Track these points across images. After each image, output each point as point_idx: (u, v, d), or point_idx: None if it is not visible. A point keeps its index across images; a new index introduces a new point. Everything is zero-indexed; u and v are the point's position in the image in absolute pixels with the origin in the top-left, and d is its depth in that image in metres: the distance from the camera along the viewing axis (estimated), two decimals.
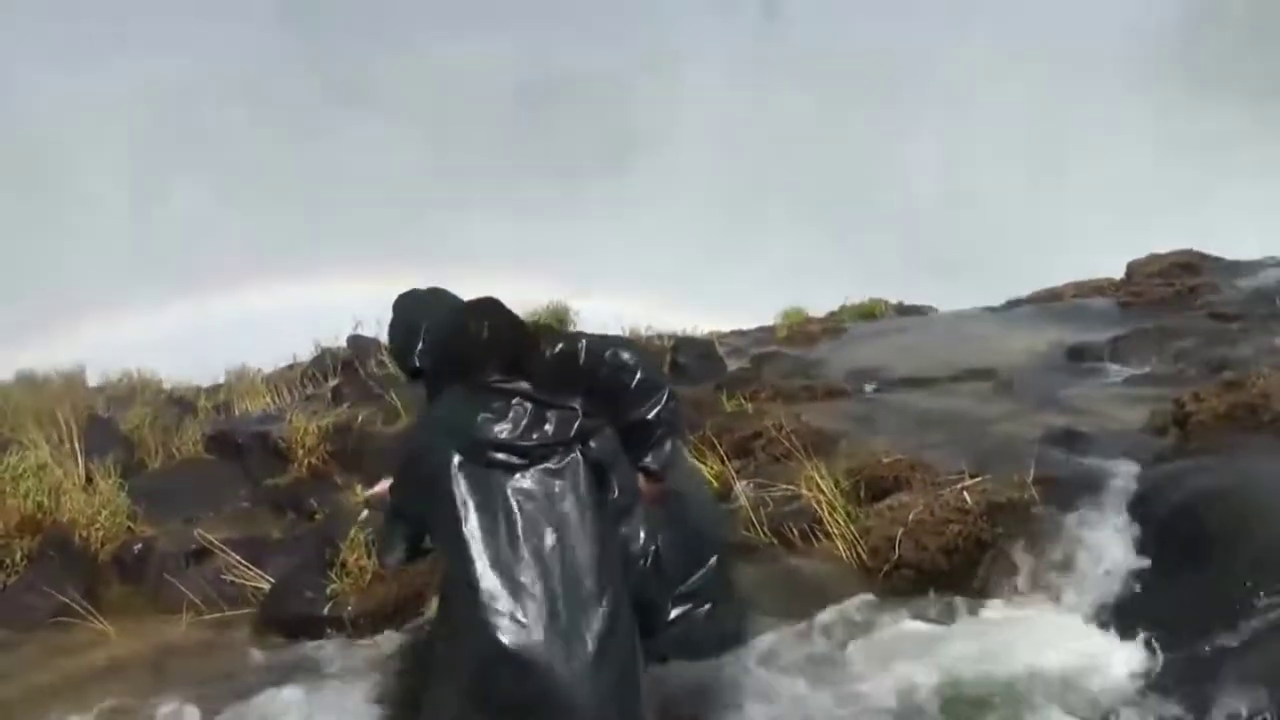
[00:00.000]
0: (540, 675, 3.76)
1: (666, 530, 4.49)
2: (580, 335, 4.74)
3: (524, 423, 3.96)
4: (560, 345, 4.57)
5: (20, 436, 9.64)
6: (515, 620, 3.78)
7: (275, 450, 10.03)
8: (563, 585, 3.84)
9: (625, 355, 4.55)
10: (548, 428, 3.97)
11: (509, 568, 3.83)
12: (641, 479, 4.45)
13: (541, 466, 3.97)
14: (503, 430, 3.94)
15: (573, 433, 4.00)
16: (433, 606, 5.14)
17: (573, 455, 4.01)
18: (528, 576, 3.83)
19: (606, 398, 4.36)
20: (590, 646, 3.82)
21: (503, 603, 3.79)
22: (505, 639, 3.76)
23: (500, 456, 3.92)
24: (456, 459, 3.91)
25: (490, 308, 4.20)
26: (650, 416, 4.49)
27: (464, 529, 3.86)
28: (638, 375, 4.50)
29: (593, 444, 4.06)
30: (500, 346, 4.08)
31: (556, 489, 3.95)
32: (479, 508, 3.89)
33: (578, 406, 4.04)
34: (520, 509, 3.90)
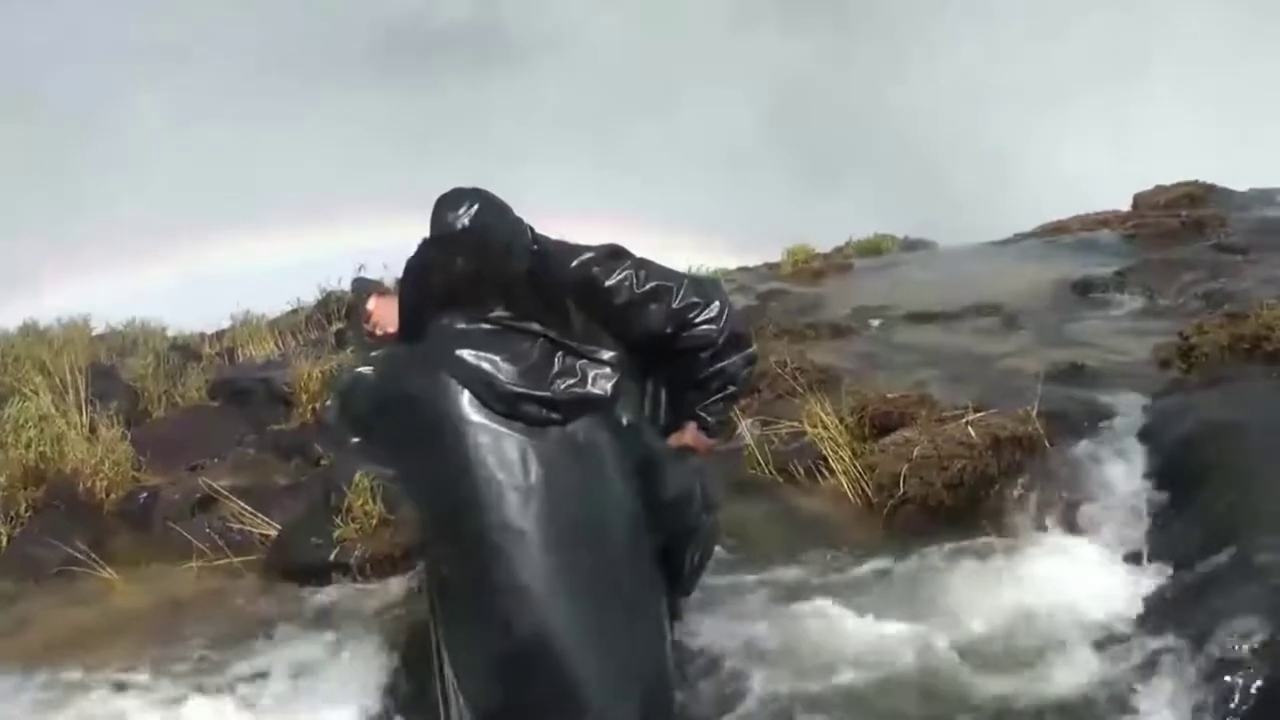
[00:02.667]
0: (569, 670, 3.43)
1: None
2: (634, 263, 4.03)
3: (553, 371, 3.51)
4: (585, 271, 3.92)
5: (23, 386, 9.62)
6: (540, 607, 3.42)
7: (280, 396, 10.02)
8: (594, 569, 3.48)
9: (714, 304, 4.03)
10: (583, 381, 3.54)
11: (533, 545, 3.42)
12: (692, 429, 4.08)
13: (572, 425, 3.52)
14: (528, 377, 3.48)
15: (610, 391, 3.58)
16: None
17: (609, 418, 3.59)
18: (555, 558, 3.43)
19: (676, 350, 3.98)
20: (625, 641, 3.53)
21: (525, 583, 3.41)
22: (528, 628, 3.41)
23: (529, 409, 3.45)
24: (469, 408, 3.45)
25: (471, 238, 3.64)
26: (727, 368, 4.06)
27: (477, 496, 3.43)
28: (724, 328, 4.03)
29: (626, 404, 3.65)
30: (499, 278, 3.60)
31: (590, 454, 3.53)
32: (497, 469, 3.43)
33: (614, 360, 3.63)
34: (548, 475, 3.45)
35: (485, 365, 3.46)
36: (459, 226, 3.64)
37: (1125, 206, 16.62)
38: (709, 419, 4.10)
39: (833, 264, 15.85)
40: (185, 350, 13.27)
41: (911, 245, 18.12)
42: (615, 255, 4.01)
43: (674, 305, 3.95)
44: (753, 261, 17.41)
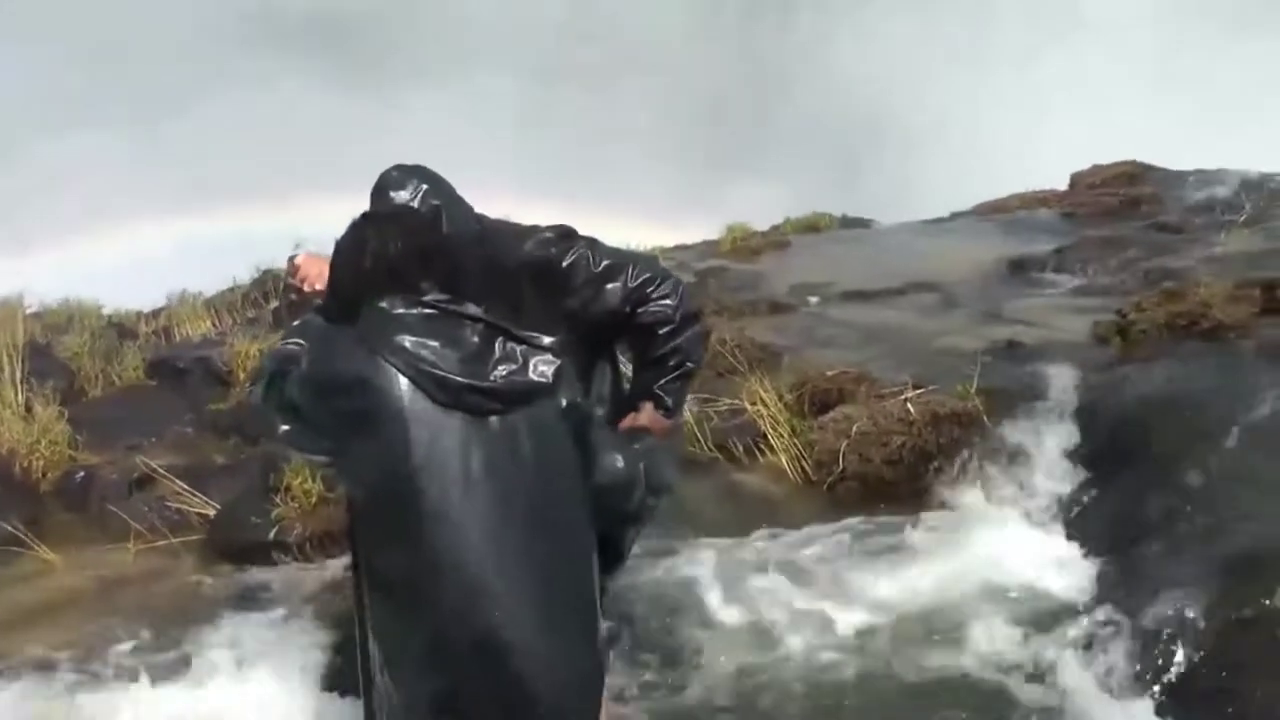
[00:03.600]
0: (514, 661, 3.37)
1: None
2: (585, 242, 3.98)
3: (494, 358, 3.39)
4: (543, 251, 3.88)
5: None
6: (481, 600, 3.34)
7: (217, 375, 9.92)
8: (539, 557, 3.41)
9: (668, 280, 4.02)
10: (524, 368, 3.42)
11: (474, 535, 3.34)
12: (649, 409, 4.02)
13: (514, 413, 3.41)
14: (468, 365, 3.35)
15: (551, 377, 3.45)
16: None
17: (550, 403, 3.47)
18: (498, 547, 3.35)
19: (633, 327, 3.95)
20: (574, 631, 3.50)
21: (468, 575, 3.33)
22: (473, 618, 3.33)
23: (470, 399, 3.34)
24: (409, 396, 3.32)
25: (414, 219, 3.49)
26: (683, 344, 4.02)
27: (416, 486, 3.31)
28: (681, 303, 3.99)
29: (566, 388, 3.54)
30: (441, 260, 3.46)
31: (531, 441, 3.42)
32: (437, 459, 3.32)
33: (554, 345, 3.52)
34: (489, 464, 3.35)
35: (425, 353, 3.34)
36: (400, 205, 3.52)
37: (1063, 185, 16.75)
38: (666, 399, 4.06)
39: (770, 241, 15.85)
40: (121, 329, 13.11)
41: (849, 223, 18.17)
42: (567, 235, 3.97)
43: (630, 283, 3.92)
44: (689, 239, 17.42)
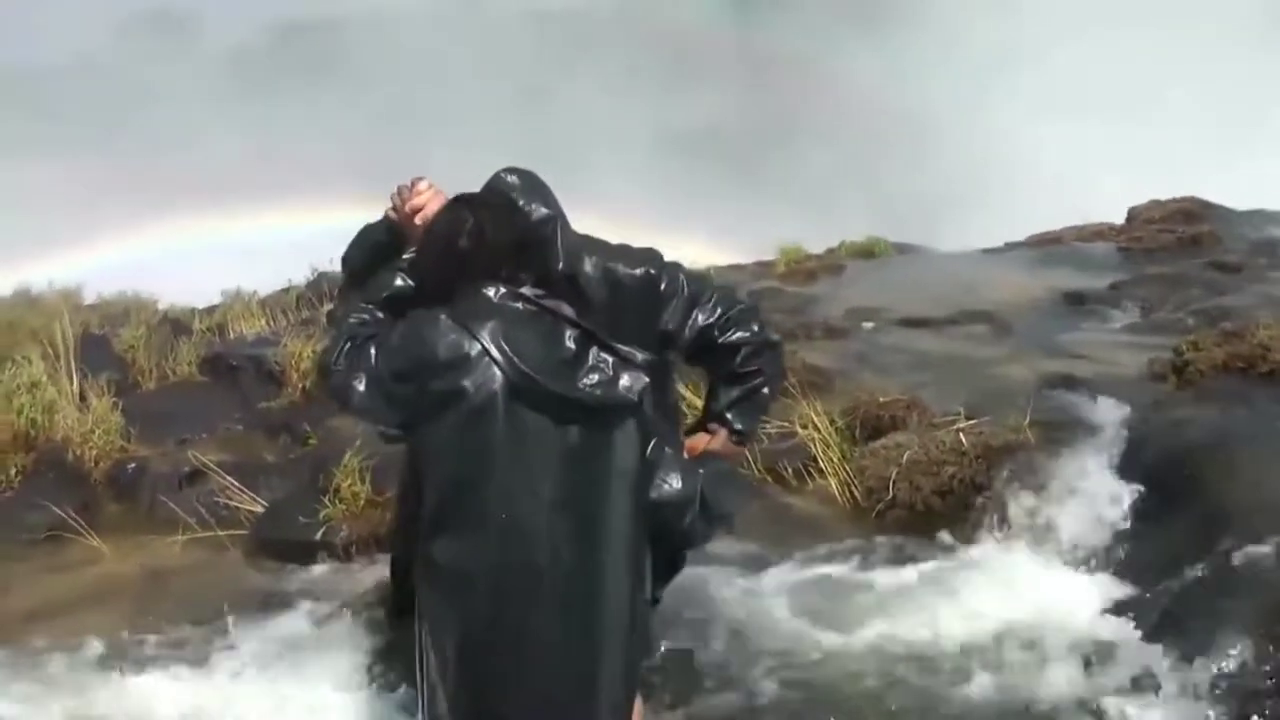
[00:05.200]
0: (549, 665, 3.43)
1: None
2: (674, 264, 3.95)
3: (585, 365, 3.40)
4: (644, 270, 3.82)
5: (15, 353, 9.60)
6: (531, 600, 3.38)
7: (269, 374, 9.97)
8: (598, 572, 3.44)
9: (752, 305, 4.05)
10: (613, 381, 3.42)
11: (538, 545, 3.37)
12: (722, 435, 3.98)
13: (594, 422, 3.43)
14: (560, 369, 3.37)
15: (638, 395, 3.47)
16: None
17: (629, 418, 3.50)
18: (552, 557, 3.38)
19: (720, 346, 3.89)
20: (621, 649, 3.52)
21: (519, 579, 3.38)
22: (517, 618, 3.39)
23: (555, 402, 3.34)
24: (500, 388, 3.34)
25: (504, 203, 3.59)
26: (765, 366, 3.98)
27: (488, 478, 3.35)
28: (764, 330, 3.97)
29: (645, 405, 3.55)
30: (524, 249, 3.52)
31: (607, 453, 3.45)
32: (514, 461, 3.35)
33: (645, 362, 3.53)
34: (561, 472, 3.38)
35: (523, 349, 3.36)
36: (506, 197, 3.63)
37: (1120, 220, 16.64)
38: (738, 422, 4.01)
39: (825, 265, 15.83)
40: (176, 324, 13.22)
41: (904, 249, 18.12)
42: (660, 257, 3.96)
43: (718, 306, 3.91)
44: (744, 259, 17.40)
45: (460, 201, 3.68)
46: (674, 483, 3.67)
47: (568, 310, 3.45)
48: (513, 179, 3.71)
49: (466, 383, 3.33)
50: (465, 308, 3.45)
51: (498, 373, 3.32)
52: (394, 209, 4.03)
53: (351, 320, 3.73)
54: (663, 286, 3.83)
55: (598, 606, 3.51)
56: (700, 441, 4.03)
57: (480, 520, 3.39)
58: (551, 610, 3.43)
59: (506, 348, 3.33)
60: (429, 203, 3.92)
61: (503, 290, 3.43)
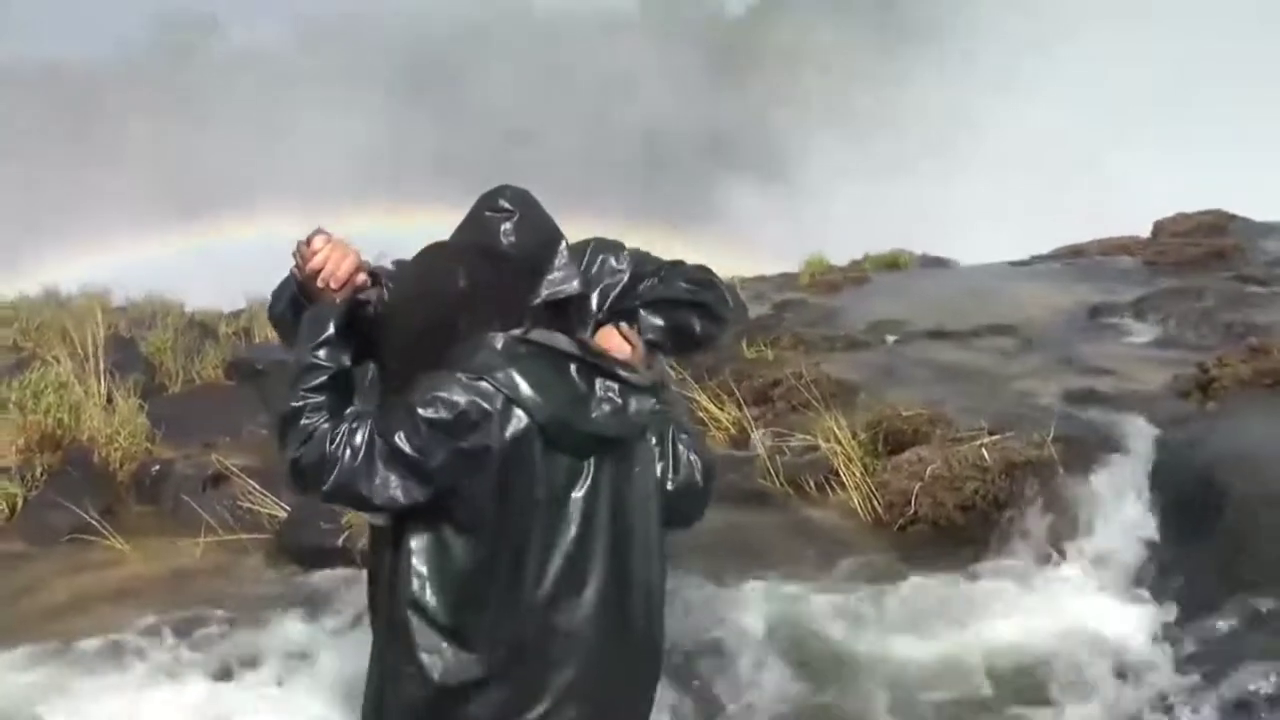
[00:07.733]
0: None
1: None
2: (665, 270, 3.81)
3: (594, 399, 3.29)
4: (701, 296, 3.73)
5: (44, 353, 9.68)
6: (589, 649, 3.29)
7: None
8: (624, 615, 3.37)
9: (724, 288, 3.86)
10: (623, 409, 3.33)
11: (574, 600, 3.29)
12: (624, 328, 3.65)
13: (616, 453, 3.37)
14: (572, 405, 3.26)
15: (647, 417, 3.40)
16: None
17: (642, 441, 3.44)
18: (597, 611, 3.30)
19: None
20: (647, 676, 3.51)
21: (574, 641, 3.28)
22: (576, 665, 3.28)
23: (572, 438, 3.27)
24: (526, 434, 3.23)
25: (502, 251, 3.46)
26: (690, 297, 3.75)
27: (529, 539, 3.26)
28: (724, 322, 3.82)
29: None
30: (527, 289, 3.42)
31: (624, 477, 3.38)
32: (550, 510, 3.27)
33: (654, 384, 3.42)
34: (586, 505, 3.31)
35: (541, 393, 3.23)
36: (505, 241, 3.51)
37: (1145, 233, 16.57)
38: (654, 319, 3.71)
39: (850, 277, 15.82)
40: (203, 327, 13.32)
41: (928, 262, 18.10)
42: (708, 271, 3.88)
43: (676, 274, 3.80)
44: (770, 270, 17.42)
45: (450, 247, 3.56)
46: (695, 477, 3.60)
47: (563, 343, 3.31)
48: (509, 194, 3.60)
49: (497, 435, 3.20)
50: (479, 360, 3.27)
51: (523, 418, 3.21)
52: (297, 268, 3.47)
53: (308, 403, 3.34)
54: (715, 309, 3.77)
55: (658, 627, 3.50)
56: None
57: (580, 582, 3.32)
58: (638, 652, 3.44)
59: (529, 394, 3.22)
60: (330, 261, 3.41)
61: (508, 334, 3.29)
